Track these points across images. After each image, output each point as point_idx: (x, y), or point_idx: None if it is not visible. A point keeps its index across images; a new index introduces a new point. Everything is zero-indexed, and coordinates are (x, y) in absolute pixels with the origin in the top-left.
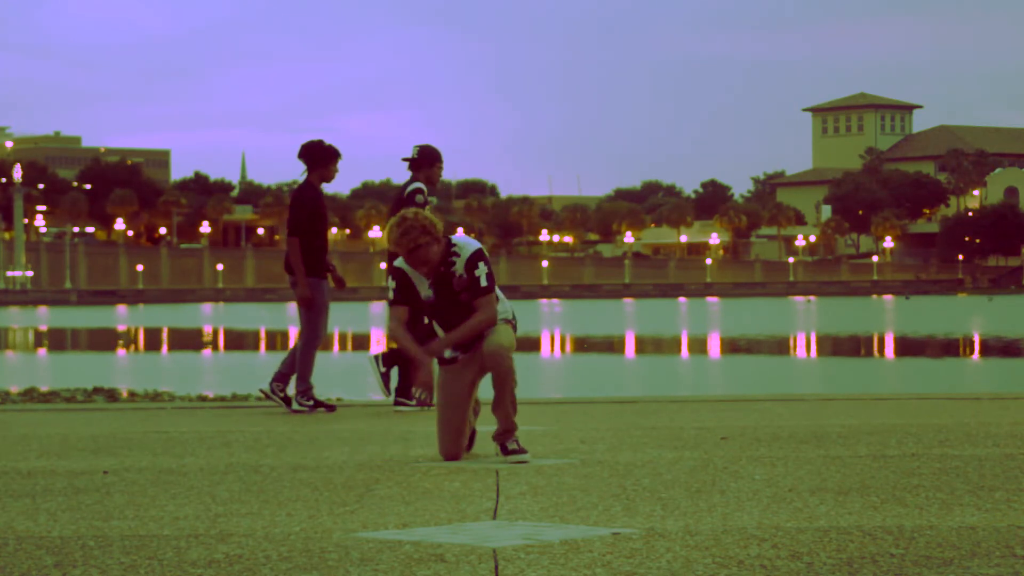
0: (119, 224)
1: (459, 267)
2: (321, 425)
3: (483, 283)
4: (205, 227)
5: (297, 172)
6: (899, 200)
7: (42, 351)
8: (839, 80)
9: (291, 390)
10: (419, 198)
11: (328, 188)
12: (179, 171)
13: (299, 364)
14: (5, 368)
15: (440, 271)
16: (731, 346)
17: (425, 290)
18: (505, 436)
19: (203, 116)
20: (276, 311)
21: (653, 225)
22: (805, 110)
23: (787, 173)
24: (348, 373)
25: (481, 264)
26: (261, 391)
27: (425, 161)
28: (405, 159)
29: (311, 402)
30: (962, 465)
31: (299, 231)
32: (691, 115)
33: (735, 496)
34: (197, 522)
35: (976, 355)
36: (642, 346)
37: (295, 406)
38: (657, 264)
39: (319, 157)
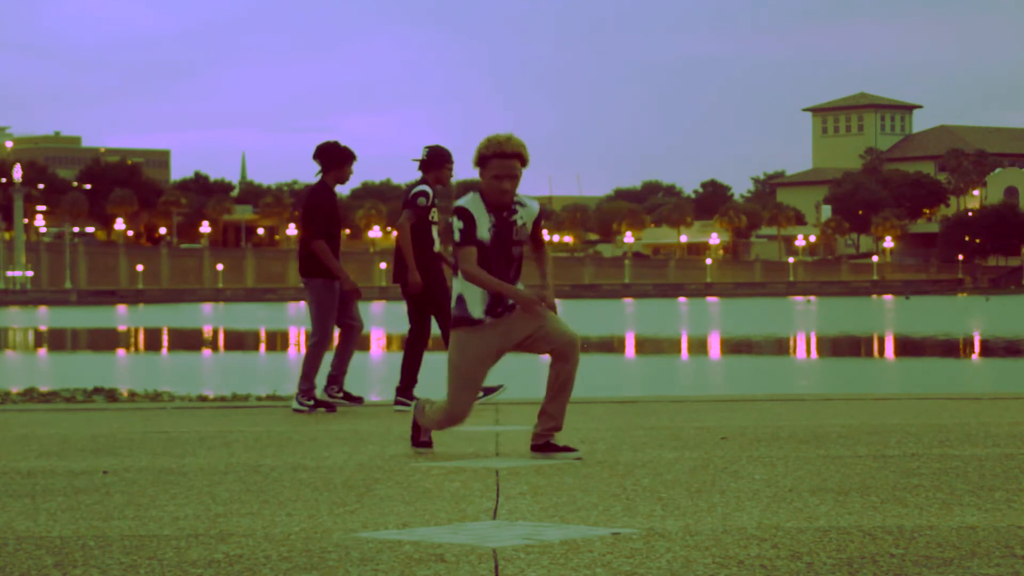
0: (119, 224)
1: (521, 219)
2: (321, 425)
3: (544, 238)
4: (205, 227)
5: (307, 173)
6: (899, 200)
7: (42, 351)
8: (839, 80)
9: (318, 389)
10: (421, 200)
11: None
12: (179, 171)
13: (305, 363)
14: (5, 368)
15: (503, 216)
16: (731, 346)
17: (484, 232)
18: (550, 433)
19: (203, 116)
20: (276, 311)
21: (653, 225)
22: (805, 110)
23: (787, 173)
24: (348, 373)
25: (543, 223)
26: (319, 401)
27: (435, 162)
28: (415, 160)
29: (312, 402)
30: (962, 465)
31: (322, 234)
32: (691, 115)
33: (735, 496)
34: (197, 522)
35: (976, 355)
36: (642, 346)
37: (296, 405)
38: (657, 264)
39: (335, 158)
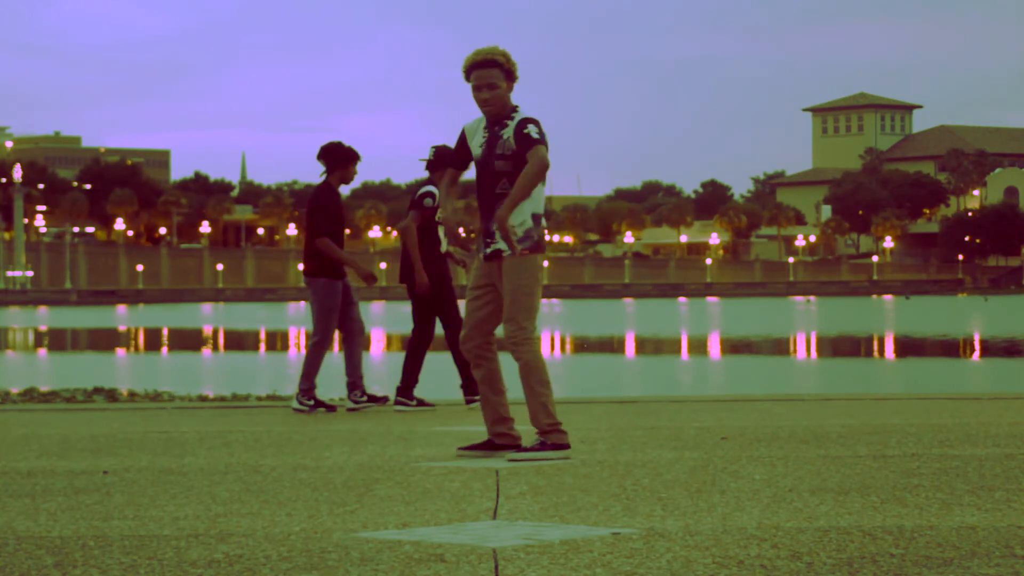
0: (119, 224)
1: (506, 133)
2: (321, 425)
3: (534, 135)
4: (205, 227)
5: (307, 173)
6: (899, 200)
7: (42, 351)
8: (839, 80)
9: (336, 391)
10: (428, 201)
11: None
12: (179, 171)
13: (306, 363)
14: (5, 368)
15: (494, 129)
16: (731, 346)
17: (476, 149)
18: (538, 433)
19: (203, 116)
20: (276, 311)
21: (653, 225)
22: (805, 110)
23: (787, 173)
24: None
25: (531, 125)
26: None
27: (441, 162)
28: (422, 159)
29: (312, 402)
30: (962, 465)
31: (326, 232)
32: (691, 115)
33: (735, 496)
34: (197, 522)
35: (976, 355)
36: (642, 346)
37: (296, 405)
38: (657, 264)
39: (339, 158)
